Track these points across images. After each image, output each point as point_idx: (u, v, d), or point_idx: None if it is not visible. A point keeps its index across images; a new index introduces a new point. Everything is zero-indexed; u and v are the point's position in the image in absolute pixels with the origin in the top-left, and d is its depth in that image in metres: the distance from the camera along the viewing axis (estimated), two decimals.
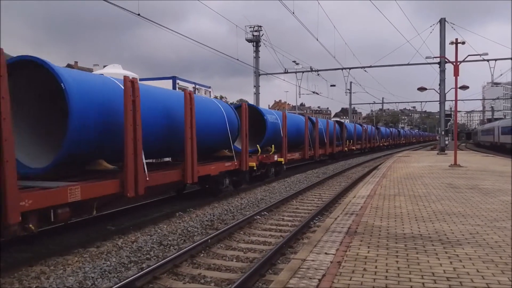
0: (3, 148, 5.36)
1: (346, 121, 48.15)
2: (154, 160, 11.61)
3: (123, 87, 7.89)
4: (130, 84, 7.91)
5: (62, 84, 7.06)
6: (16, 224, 5.67)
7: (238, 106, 15.00)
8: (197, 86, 21.54)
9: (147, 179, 8.32)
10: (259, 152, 15.82)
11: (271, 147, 16.72)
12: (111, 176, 7.89)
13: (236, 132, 13.62)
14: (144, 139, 8.20)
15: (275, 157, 16.59)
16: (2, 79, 5.40)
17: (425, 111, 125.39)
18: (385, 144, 51.82)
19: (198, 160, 10.60)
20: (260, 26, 35.55)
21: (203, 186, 12.09)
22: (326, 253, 5.03)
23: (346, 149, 31.51)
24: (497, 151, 40.41)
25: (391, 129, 64.30)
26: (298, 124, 21.10)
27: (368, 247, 5.30)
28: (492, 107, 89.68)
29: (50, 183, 6.78)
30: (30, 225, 6.01)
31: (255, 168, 14.49)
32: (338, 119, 54.92)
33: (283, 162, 17.49)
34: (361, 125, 41.86)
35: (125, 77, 8.00)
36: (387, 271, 4.37)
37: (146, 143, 8.35)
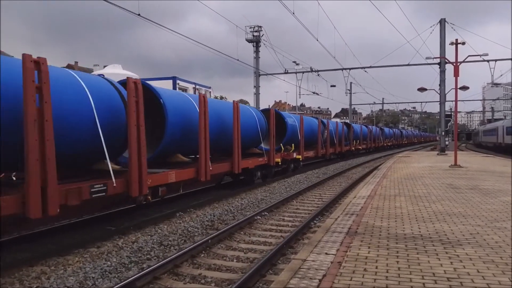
0: (141, 147, 7.92)
1: (347, 121, 48.15)
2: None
3: (193, 100, 11.24)
4: (203, 98, 10.72)
5: (161, 100, 9.81)
6: (143, 196, 8.22)
7: (266, 110, 17.81)
8: (197, 87, 21.55)
9: (211, 168, 11.01)
10: (282, 150, 18.26)
11: (291, 146, 19.12)
12: (190, 165, 10.74)
13: (265, 133, 16.15)
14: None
15: (294, 155, 19.15)
16: (139, 101, 7.97)
17: (425, 112, 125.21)
18: (389, 144, 53.59)
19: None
20: (260, 27, 35.57)
21: (236, 178, 14.66)
22: (326, 254, 5.04)
23: (353, 148, 33.91)
24: (501, 153, 38.33)
25: (394, 129, 66.06)
26: (312, 126, 23.51)
27: (369, 247, 5.31)
28: (492, 107, 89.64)
29: (155, 170, 9.19)
30: (149, 197, 8.58)
31: (279, 163, 17.08)
32: (339, 120, 55.05)
33: (300, 159, 19.93)
34: (366, 126, 43.64)
35: (200, 95, 10.91)
36: (387, 271, 4.37)
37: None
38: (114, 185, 7.41)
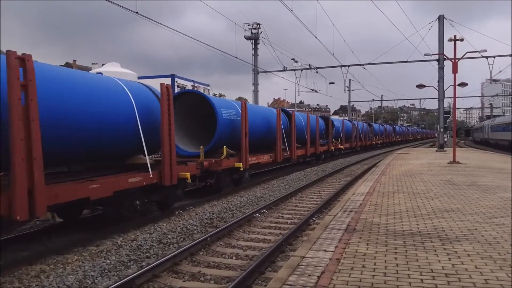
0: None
1: (345, 118, 47.98)
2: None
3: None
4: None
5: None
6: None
7: (325, 117, 24.89)
8: (195, 84, 21.53)
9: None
10: (333, 142, 19.67)
11: (338, 140, 18.15)
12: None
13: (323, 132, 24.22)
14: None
15: (339, 145, 19.89)
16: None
17: (424, 108, 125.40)
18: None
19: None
20: (259, 24, 35.51)
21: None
22: (325, 250, 5.05)
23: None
24: None
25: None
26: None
27: (367, 244, 5.32)
28: (491, 104, 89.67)
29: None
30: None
31: (333, 150, 28.49)
32: (337, 116, 54.88)
33: (342, 148, 18.78)
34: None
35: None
36: (386, 268, 4.38)
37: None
38: (151, 176, 8.65)
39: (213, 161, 11.96)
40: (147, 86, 9.89)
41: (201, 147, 11.90)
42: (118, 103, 8.41)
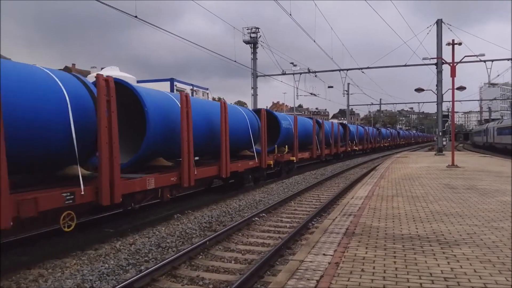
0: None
1: (344, 122, 48.12)
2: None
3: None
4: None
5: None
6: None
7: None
8: (194, 88, 21.56)
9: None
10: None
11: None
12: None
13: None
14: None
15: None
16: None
17: (423, 112, 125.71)
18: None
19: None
20: (258, 28, 35.59)
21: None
22: (324, 254, 5.04)
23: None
24: None
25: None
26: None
27: (366, 248, 5.31)
28: (489, 107, 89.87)
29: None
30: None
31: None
32: (336, 120, 55.04)
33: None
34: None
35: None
36: (385, 272, 4.38)
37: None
38: (257, 161, 9.68)
39: (279, 155, 18.07)
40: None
41: (275, 145, 17.90)
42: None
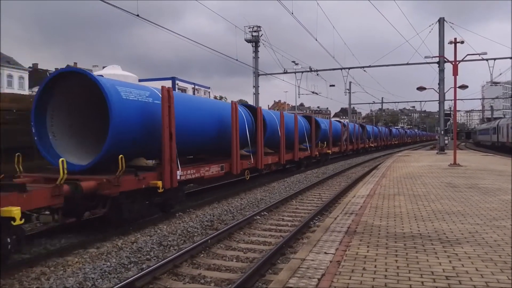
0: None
1: (346, 121, 47.92)
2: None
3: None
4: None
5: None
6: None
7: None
8: (196, 87, 21.57)
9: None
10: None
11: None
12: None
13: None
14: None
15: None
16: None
17: (425, 111, 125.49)
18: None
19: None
20: (259, 27, 35.56)
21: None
22: (325, 253, 5.05)
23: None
24: None
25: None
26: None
27: (368, 246, 5.31)
28: (491, 106, 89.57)
29: None
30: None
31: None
32: (337, 119, 54.93)
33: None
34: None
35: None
36: (386, 270, 4.38)
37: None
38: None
39: (320, 148, 24.29)
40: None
41: (318, 141, 24.05)
42: None
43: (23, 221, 5.87)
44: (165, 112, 9.07)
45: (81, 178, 7.55)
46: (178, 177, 9.60)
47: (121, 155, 7.71)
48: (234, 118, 12.66)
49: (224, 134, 12.58)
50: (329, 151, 25.85)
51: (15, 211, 5.72)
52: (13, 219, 5.70)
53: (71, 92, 8.96)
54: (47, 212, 7.14)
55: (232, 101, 14.11)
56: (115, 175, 7.64)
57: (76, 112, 9.32)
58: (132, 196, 8.27)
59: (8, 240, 5.96)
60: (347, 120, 50.75)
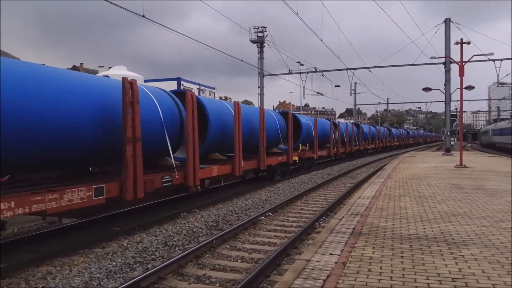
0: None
1: (351, 121, 48.03)
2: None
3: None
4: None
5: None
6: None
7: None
8: (201, 87, 21.58)
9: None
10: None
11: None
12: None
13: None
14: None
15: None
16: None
17: (431, 112, 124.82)
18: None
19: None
20: (264, 27, 35.58)
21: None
22: (331, 254, 5.03)
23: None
24: None
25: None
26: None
27: (373, 247, 5.30)
28: (498, 107, 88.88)
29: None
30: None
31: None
32: (344, 120, 54.98)
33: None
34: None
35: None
36: (392, 272, 4.36)
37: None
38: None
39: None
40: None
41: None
42: None
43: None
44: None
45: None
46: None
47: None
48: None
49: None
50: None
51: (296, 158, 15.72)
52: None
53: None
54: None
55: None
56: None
57: None
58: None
59: (291, 167, 12.52)
60: (351, 121, 50.68)
